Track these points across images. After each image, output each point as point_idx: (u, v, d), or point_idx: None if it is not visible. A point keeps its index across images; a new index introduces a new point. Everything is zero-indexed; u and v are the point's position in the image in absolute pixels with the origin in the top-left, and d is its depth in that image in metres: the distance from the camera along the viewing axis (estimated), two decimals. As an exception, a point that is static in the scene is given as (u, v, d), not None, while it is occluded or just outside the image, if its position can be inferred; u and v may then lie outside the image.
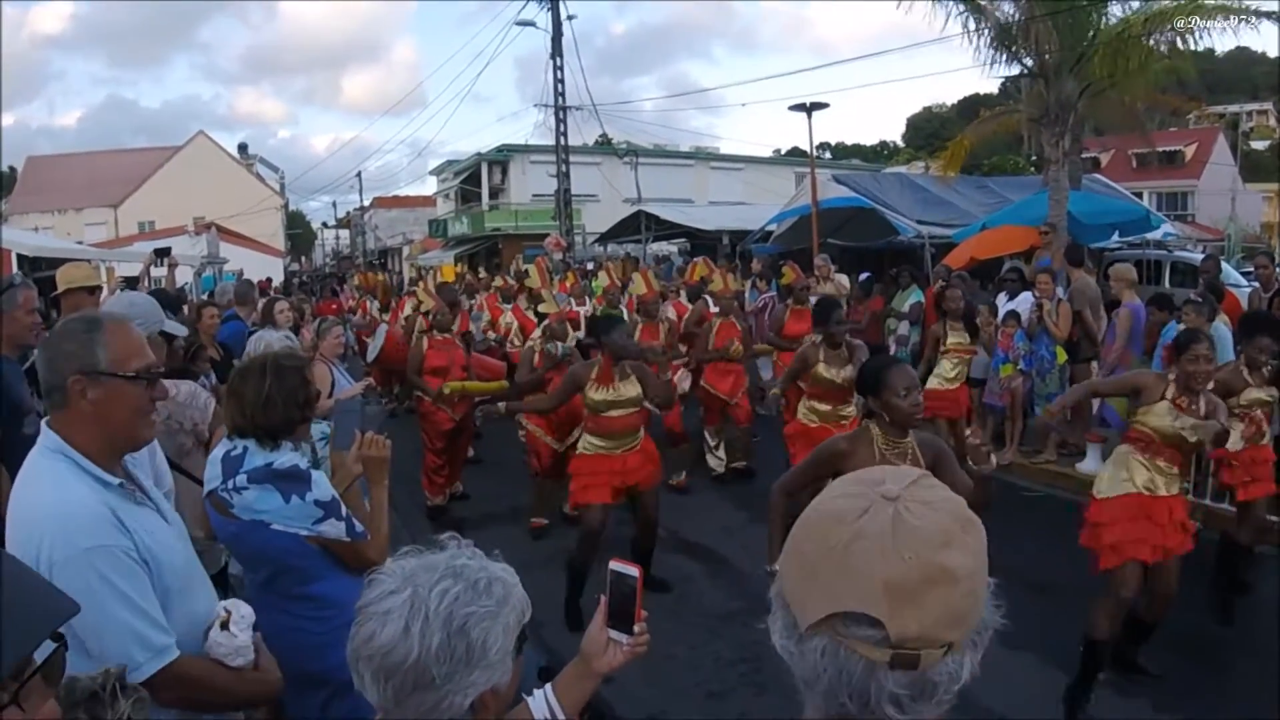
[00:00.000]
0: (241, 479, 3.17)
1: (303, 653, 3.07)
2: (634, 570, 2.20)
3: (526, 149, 43.11)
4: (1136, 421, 5.51)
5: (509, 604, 1.80)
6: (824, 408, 7.78)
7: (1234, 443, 6.44)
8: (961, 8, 16.00)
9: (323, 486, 3.24)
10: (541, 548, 6.68)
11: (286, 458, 3.25)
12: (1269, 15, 14.33)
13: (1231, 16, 14.45)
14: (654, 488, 7.19)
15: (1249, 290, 10.82)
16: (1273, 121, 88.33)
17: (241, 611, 2.61)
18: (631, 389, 7.01)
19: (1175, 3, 14.90)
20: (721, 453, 10.70)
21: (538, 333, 9.55)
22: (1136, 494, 5.36)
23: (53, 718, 1.03)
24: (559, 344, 8.97)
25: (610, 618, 2.21)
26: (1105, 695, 5.41)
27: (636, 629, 2.21)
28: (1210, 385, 5.67)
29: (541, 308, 9.39)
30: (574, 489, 7.13)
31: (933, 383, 9.24)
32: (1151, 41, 15.03)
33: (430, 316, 9.70)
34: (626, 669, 5.75)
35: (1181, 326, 8.48)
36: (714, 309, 11.04)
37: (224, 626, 2.56)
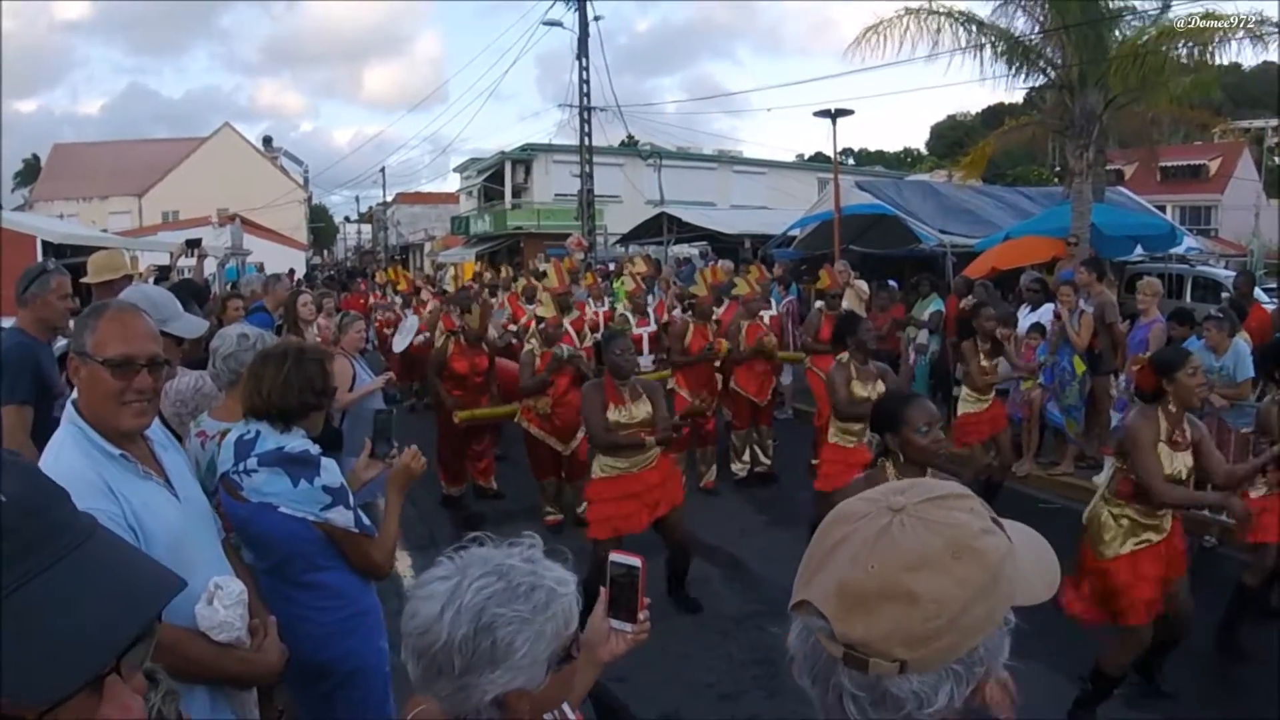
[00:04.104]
0: (252, 462, 3.22)
1: (308, 642, 3.11)
2: (636, 561, 2.25)
3: (550, 148, 43.19)
4: (1128, 473, 5.19)
5: (548, 613, 1.80)
6: (858, 427, 7.54)
7: (1257, 490, 6.36)
8: (970, 29, 16.06)
9: (332, 473, 3.29)
10: (557, 546, 6.69)
11: (298, 443, 3.31)
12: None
13: (1248, 31, 14.47)
14: (677, 508, 6.93)
15: (1271, 307, 10.77)
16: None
17: (229, 588, 2.67)
18: (643, 409, 6.82)
19: (1190, 19, 14.93)
20: (746, 457, 10.72)
21: (532, 339, 9.48)
22: (1143, 551, 5.15)
23: (143, 689, 1.08)
24: (565, 347, 8.89)
25: (612, 608, 2.25)
26: (1114, 706, 5.43)
27: (641, 617, 2.24)
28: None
29: (539, 311, 9.34)
30: (590, 518, 6.88)
31: (966, 407, 9.17)
32: (1173, 54, 15.04)
33: (463, 329, 9.64)
34: (641, 669, 5.79)
35: (1203, 342, 8.49)
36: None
37: (211, 602, 2.63)
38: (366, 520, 3.39)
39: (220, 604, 2.63)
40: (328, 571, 3.33)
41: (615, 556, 2.27)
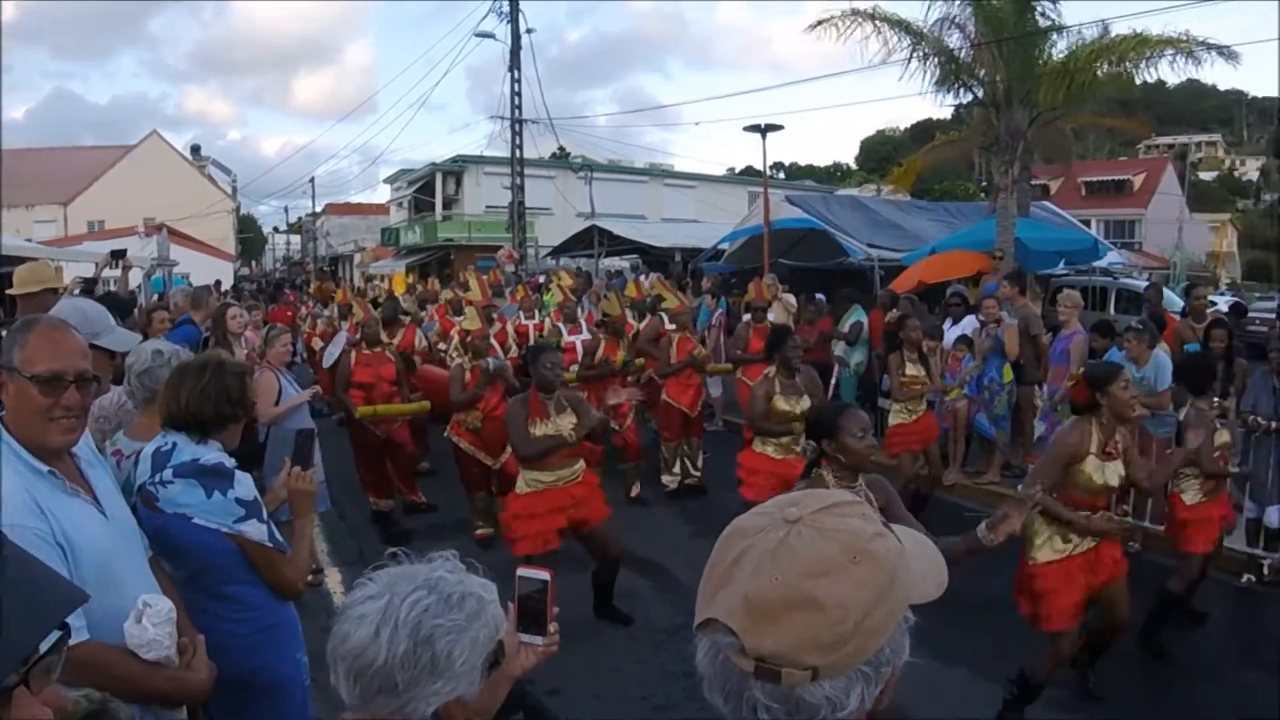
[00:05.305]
0: (168, 473, 3.22)
1: (223, 654, 3.10)
2: (543, 574, 2.29)
3: (481, 160, 43.06)
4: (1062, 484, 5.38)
5: (480, 619, 1.85)
6: (783, 440, 7.61)
7: (1192, 496, 6.53)
8: (907, 38, 16.29)
9: (245, 486, 3.30)
10: (485, 560, 6.67)
11: (213, 455, 3.31)
12: (1216, 48, 14.67)
13: (1179, 50, 14.79)
14: (604, 522, 6.96)
15: (1179, 322, 11.02)
16: (1221, 153, 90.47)
17: (158, 606, 2.65)
18: (568, 421, 6.82)
19: (1122, 36, 15.24)
20: (676, 469, 10.77)
21: (455, 350, 9.47)
22: (1071, 558, 5.31)
23: (56, 703, 1.08)
24: (492, 360, 8.90)
25: (522, 621, 2.28)
26: (1043, 710, 5.52)
27: (550, 629, 2.28)
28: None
29: (464, 323, 9.34)
30: (513, 534, 6.78)
31: (897, 418, 9.27)
32: (1100, 74, 15.36)
33: (360, 327, 9.59)
34: (574, 682, 5.80)
35: (1124, 353, 8.66)
36: (669, 325, 11.13)
37: (140, 620, 2.61)
38: (280, 537, 3.40)
39: (149, 622, 2.60)
40: (241, 584, 3.32)
41: (524, 571, 2.31)
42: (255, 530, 3.26)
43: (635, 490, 10.41)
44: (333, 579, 7.98)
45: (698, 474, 10.83)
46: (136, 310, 9.65)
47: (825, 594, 1.14)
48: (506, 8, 28.47)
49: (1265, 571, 7.96)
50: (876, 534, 1.23)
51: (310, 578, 3.59)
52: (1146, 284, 17.72)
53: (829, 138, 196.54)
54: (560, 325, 11.58)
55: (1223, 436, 6.69)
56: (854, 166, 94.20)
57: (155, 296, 16.44)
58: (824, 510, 1.23)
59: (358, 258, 59.90)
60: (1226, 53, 14.70)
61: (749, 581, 1.17)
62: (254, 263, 79.13)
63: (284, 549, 3.39)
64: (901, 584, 1.21)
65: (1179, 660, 6.41)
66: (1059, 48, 16.08)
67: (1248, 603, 7.80)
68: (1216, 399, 6.82)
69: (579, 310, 12.33)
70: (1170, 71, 15.33)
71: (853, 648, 1.15)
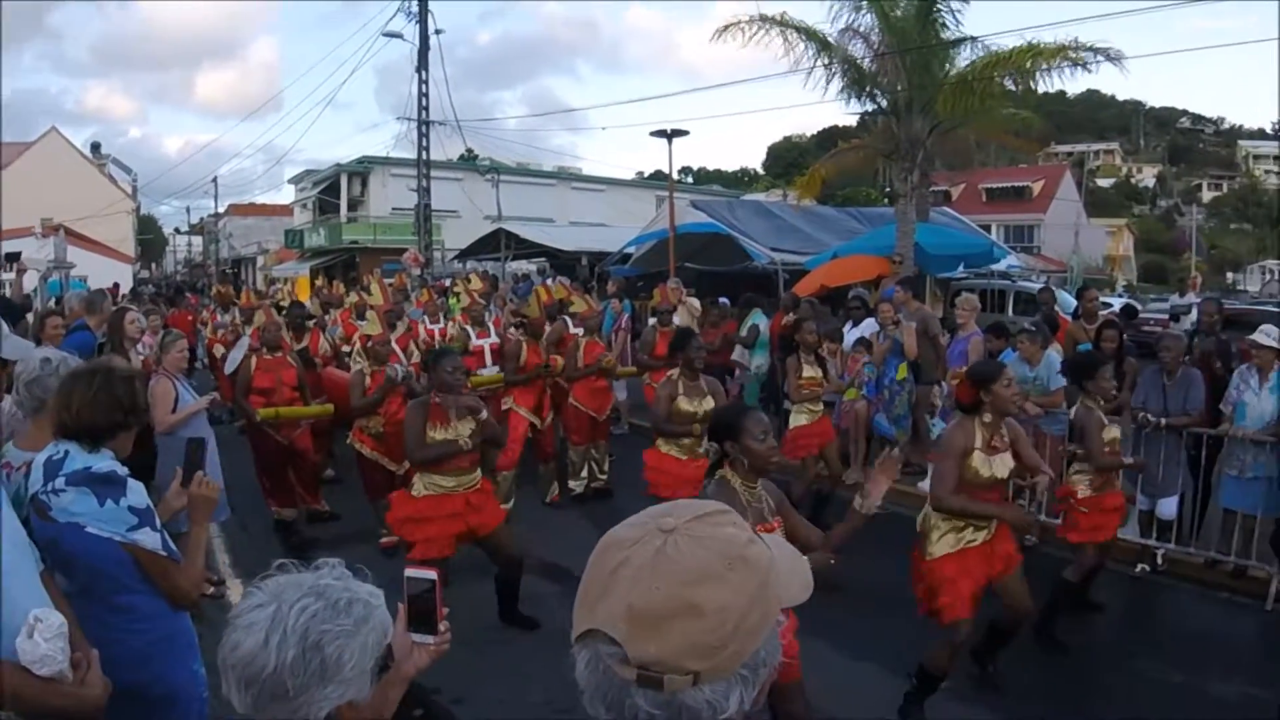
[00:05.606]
0: (60, 481, 3.19)
1: (117, 666, 3.07)
2: (431, 574, 2.32)
3: (387, 161, 42.66)
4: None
5: (369, 624, 1.88)
6: (685, 441, 7.70)
7: (1083, 491, 6.80)
8: (814, 46, 16.53)
9: (138, 494, 3.28)
10: (391, 567, 6.64)
11: (105, 463, 3.29)
12: (1106, 54, 15.06)
13: (1070, 58, 15.17)
14: (501, 525, 6.97)
15: (1072, 323, 11.30)
16: (1118, 160, 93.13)
17: (49, 620, 2.63)
18: (467, 427, 6.79)
19: (1014, 47, 15.59)
20: (584, 473, 10.79)
21: (359, 357, 9.42)
22: (964, 550, 5.48)
23: None
24: (397, 367, 8.90)
25: (412, 622, 2.30)
26: (943, 701, 5.64)
27: (441, 628, 2.30)
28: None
29: (364, 328, 9.27)
30: (413, 538, 6.72)
31: (798, 421, 9.38)
32: (999, 83, 15.70)
33: (261, 332, 9.47)
34: (479, 687, 5.79)
35: (1017, 354, 8.88)
36: (574, 330, 11.20)
37: (31, 635, 2.59)
38: (174, 547, 3.38)
39: (41, 637, 2.58)
40: (135, 594, 3.30)
41: (411, 571, 2.33)
42: (149, 539, 3.24)
43: (554, 494, 10.50)
44: (235, 591, 7.87)
45: (604, 477, 10.87)
46: (30, 315, 9.42)
47: (705, 600, 1.17)
48: (415, 8, 28.21)
49: (1159, 561, 8.29)
50: (749, 541, 1.27)
51: (212, 589, 3.53)
52: (1040, 287, 18.13)
53: (737, 143, 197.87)
54: (468, 328, 11.54)
55: (1112, 432, 6.93)
56: (761, 172, 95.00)
57: (52, 300, 16.09)
58: (698, 519, 1.26)
59: (261, 260, 59.08)
60: (1114, 56, 15.11)
61: (630, 591, 1.19)
62: (154, 265, 77.70)
63: (178, 558, 3.37)
64: (773, 588, 1.25)
65: (1076, 649, 6.62)
66: (963, 58, 16.45)
67: (1142, 592, 8.13)
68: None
69: (487, 314, 12.29)
70: (1065, 81, 15.74)
71: (731, 651, 1.18)
